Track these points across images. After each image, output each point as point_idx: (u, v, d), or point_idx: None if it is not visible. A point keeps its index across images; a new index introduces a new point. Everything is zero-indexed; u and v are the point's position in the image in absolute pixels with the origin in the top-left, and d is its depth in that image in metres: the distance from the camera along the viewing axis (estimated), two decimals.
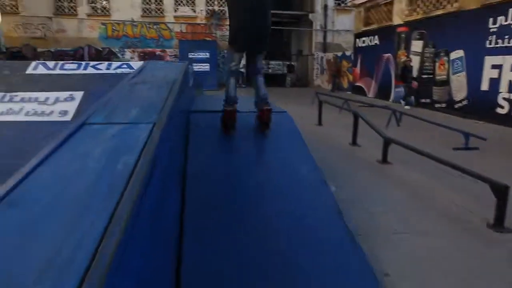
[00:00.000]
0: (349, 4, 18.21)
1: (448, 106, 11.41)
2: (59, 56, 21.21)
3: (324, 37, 23.40)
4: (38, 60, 19.91)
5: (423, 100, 12.55)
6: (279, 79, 24.45)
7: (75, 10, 21.62)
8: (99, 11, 21.92)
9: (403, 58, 13.77)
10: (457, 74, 10.96)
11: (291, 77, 23.02)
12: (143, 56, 22.12)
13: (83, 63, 4.29)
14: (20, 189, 1.25)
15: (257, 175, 3.20)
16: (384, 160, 5.71)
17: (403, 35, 13.92)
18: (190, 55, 20.48)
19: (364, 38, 16.90)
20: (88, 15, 21.60)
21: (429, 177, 4.96)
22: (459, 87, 10.95)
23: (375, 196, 4.40)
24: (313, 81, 23.56)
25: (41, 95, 3.68)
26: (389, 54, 14.80)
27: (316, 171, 3.27)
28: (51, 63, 4.27)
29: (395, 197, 4.42)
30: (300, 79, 24.46)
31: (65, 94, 3.74)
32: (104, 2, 21.77)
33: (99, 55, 21.84)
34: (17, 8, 21.38)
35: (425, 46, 12.60)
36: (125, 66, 4.17)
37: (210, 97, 7.49)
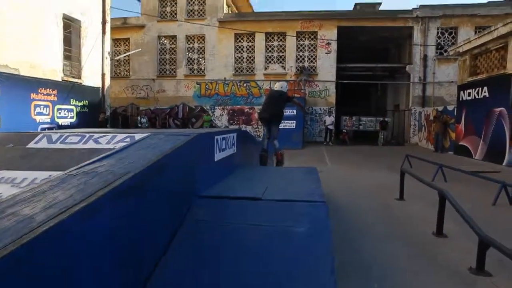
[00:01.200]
0: (451, 52, 16.25)
1: None
2: (156, 113, 22.91)
3: (423, 90, 21.29)
4: (140, 116, 21.76)
5: None
6: (371, 137, 22.71)
7: (175, 72, 23.40)
8: (195, 71, 23.38)
9: None
10: None
11: (384, 134, 21.11)
12: (232, 113, 22.61)
13: (87, 135, 3.80)
14: None
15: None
16: (481, 268, 3.98)
17: None
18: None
19: (469, 90, 14.66)
20: (185, 76, 23.14)
21: None
22: None
23: None
24: (409, 139, 21.26)
25: (21, 175, 3.19)
26: (502, 108, 12.41)
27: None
28: (55, 135, 3.88)
29: None
30: (395, 136, 22.35)
31: (45, 174, 3.18)
32: (202, 63, 23.19)
33: (191, 112, 22.98)
34: (128, 73, 23.98)
35: None
36: (128, 139, 3.55)
37: (263, 169, 6.61)
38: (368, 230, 5.49)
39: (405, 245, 4.83)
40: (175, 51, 23.48)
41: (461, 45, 15.22)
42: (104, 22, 17.74)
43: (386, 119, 21.63)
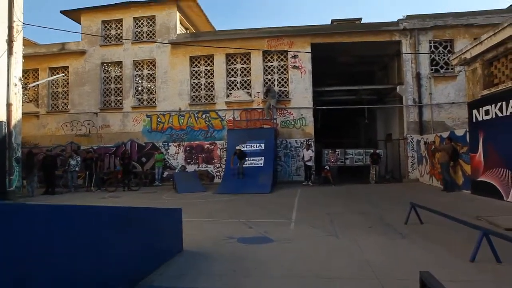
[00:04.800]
0: (454, 62, 12.49)
1: None
2: (99, 152, 18.69)
3: (420, 114, 17.46)
4: (71, 157, 17.39)
5: None
6: (363, 172, 18.59)
7: (121, 104, 19.45)
8: (145, 102, 19.44)
9: None
10: None
11: (377, 169, 16.98)
12: (190, 150, 18.46)
13: None
14: None
15: None
16: None
17: None
18: (242, 148, 16.13)
19: (487, 107, 10.76)
20: (133, 108, 19.17)
21: None
22: None
23: None
24: (408, 174, 17.14)
25: None
26: None
27: None
28: None
29: None
30: (390, 171, 18.25)
31: None
32: (153, 92, 19.29)
33: (141, 151, 18.79)
34: (67, 106, 19.97)
35: None
36: None
37: None
38: None
39: None
40: (121, 79, 19.64)
41: (469, 50, 11.51)
42: (10, 41, 13.87)
43: (377, 151, 17.57)
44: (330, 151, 17.87)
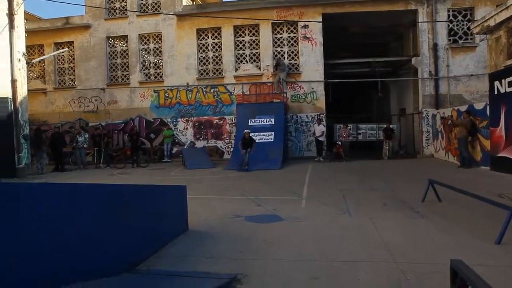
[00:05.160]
0: (475, 30, 11.75)
1: None
2: (108, 129, 18.48)
3: (436, 87, 16.76)
4: (78, 134, 17.21)
5: None
6: (376, 148, 18.13)
7: (128, 79, 19.07)
8: (152, 77, 19.03)
9: None
10: None
11: (390, 144, 16.47)
12: (199, 126, 18.15)
13: None
14: None
15: None
16: None
17: None
18: (251, 122, 15.78)
19: (511, 78, 10.12)
20: (141, 83, 18.79)
21: None
22: None
23: None
24: (422, 149, 16.61)
25: None
26: None
27: None
28: None
29: None
30: (404, 146, 17.74)
31: None
32: (160, 67, 18.84)
33: (149, 127, 18.56)
34: (74, 83, 19.71)
35: None
36: None
37: None
38: None
39: None
40: (127, 54, 19.18)
41: (493, 16, 10.77)
42: (11, 14, 13.49)
43: (391, 126, 16.99)
44: (342, 126, 17.35)
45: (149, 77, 19.08)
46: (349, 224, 5.79)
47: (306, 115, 17.37)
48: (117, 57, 19.40)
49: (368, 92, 23.24)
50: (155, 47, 18.98)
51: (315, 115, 17.15)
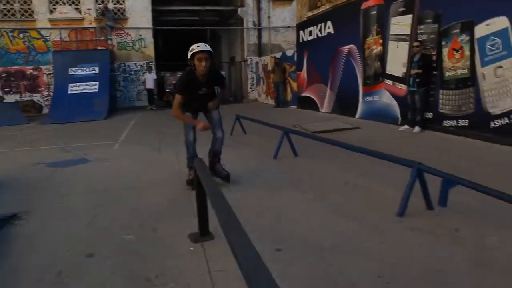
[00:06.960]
0: None
1: (474, 124, 6.20)
2: None
3: (259, 37, 18.08)
4: None
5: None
6: None
7: None
8: None
9: (377, 48, 8.60)
10: (496, 64, 5.79)
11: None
12: (7, 77, 15.60)
13: None
14: None
15: None
16: None
17: (373, 13, 8.76)
18: (71, 72, 14.33)
19: (310, 28, 11.63)
20: None
21: None
22: (499, 86, 5.77)
23: None
24: (248, 94, 18.04)
25: None
26: (352, 45, 9.59)
27: None
28: None
29: None
30: (233, 93, 18.89)
31: None
32: None
33: None
34: None
35: (418, 22, 7.41)
36: None
37: None
38: None
39: None
40: None
41: None
42: None
43: (221, 73, 17.75)
44: (170, 74, 17.31)
45: None
46: (154, 159, 6.01)
47: (135, 64, 16.68)
48: None
49: (199, 41, 23.46)
50: None
51: (144, 64, 16.61)
